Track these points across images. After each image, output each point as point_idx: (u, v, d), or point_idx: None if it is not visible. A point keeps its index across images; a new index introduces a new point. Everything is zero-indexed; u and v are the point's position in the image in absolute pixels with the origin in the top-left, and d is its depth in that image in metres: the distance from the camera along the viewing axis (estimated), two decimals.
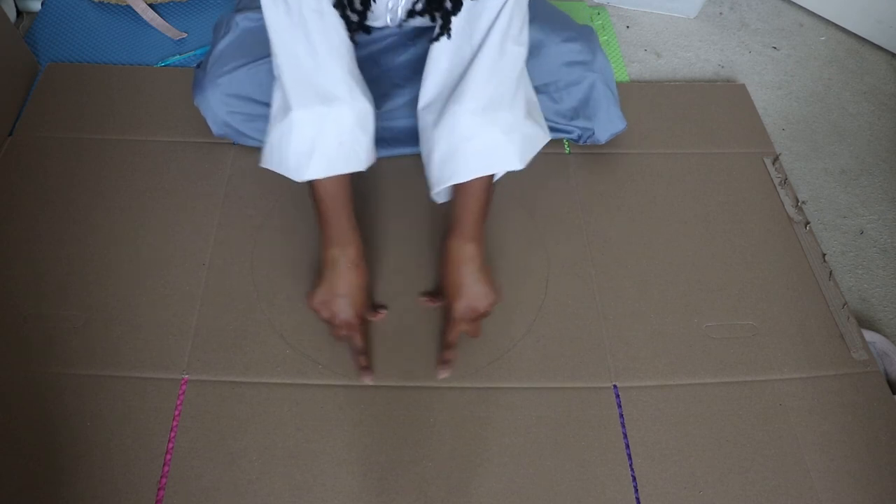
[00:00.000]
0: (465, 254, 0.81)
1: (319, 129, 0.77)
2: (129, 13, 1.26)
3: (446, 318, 0.84)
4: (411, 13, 0.85)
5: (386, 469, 0.76)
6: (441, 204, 0.90)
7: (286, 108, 0.77)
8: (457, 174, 0.80)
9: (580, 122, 1.03)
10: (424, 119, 0.84)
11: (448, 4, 0.77)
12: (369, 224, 0.97)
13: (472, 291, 0.82)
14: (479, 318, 0.83)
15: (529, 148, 0.82)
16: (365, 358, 0.82)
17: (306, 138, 0.77)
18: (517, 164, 0.81)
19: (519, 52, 0.81)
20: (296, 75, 0.77)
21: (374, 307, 0.88)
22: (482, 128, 0.78)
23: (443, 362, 0.83)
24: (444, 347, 0.83)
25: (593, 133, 1.04)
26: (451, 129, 0.79)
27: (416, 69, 0.98)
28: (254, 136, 0.99)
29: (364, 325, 0.84)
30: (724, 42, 1.38)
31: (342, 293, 0.81)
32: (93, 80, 1.13)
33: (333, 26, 0.77)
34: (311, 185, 0.81)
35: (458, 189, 0.83)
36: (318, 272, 0.83)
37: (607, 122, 1.03)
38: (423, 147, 0.85)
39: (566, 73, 0.99)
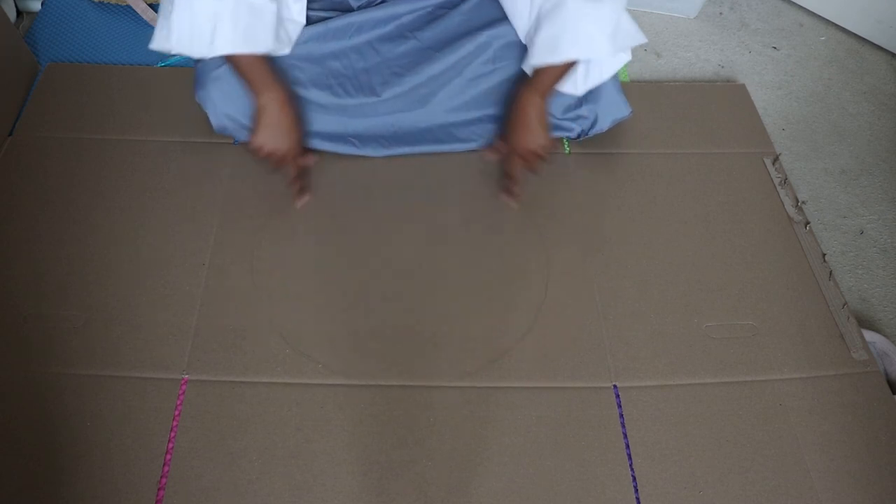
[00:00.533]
0: (534, 103, 0.93)
1: (222, 6, 0.83)
2: (129, 13, 1.26)
3: (507, 152, 0.98)
4: None
5: (386, 469, 0.76)
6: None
7: None
8: (553, 56, 0.90)
9: (582, 111, 1.02)
10: (528, 38, 0.95)
11: None
12: (372, 223, 0.97)
13: (530, 130, 0.93)
14: (533, 156, 0.95)
15: (623, 40, 0.91)
16: (300, 182, 0.97)
17: (210, 14, 0.83)
18: (608, 53, 0.90)
19: None
20: None
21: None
22: (583, 17, 0.87)
23: (508, 192, 0.98)
24: (507, 178, 0.99)
25: (596, 121, 1.03)
26: (556, 16, 0.88)
27: (416, 60, 0.98)
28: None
29: (299, 156, 0.96)
30: (724, 42, 1.38)
31: (278, 129, 0.91)
32: (93, 80, 1.13)
33: None
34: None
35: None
36: (253, 121, 0.92)
37: (610, 108, 1.03)
38: (529, 33, 0.95)
39: None
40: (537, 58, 0.91)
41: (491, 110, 1.01)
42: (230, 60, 0.90)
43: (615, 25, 0.89)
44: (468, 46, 0.97)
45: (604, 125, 1.04)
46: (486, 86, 0.99)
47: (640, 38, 0.93)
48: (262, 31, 0.87)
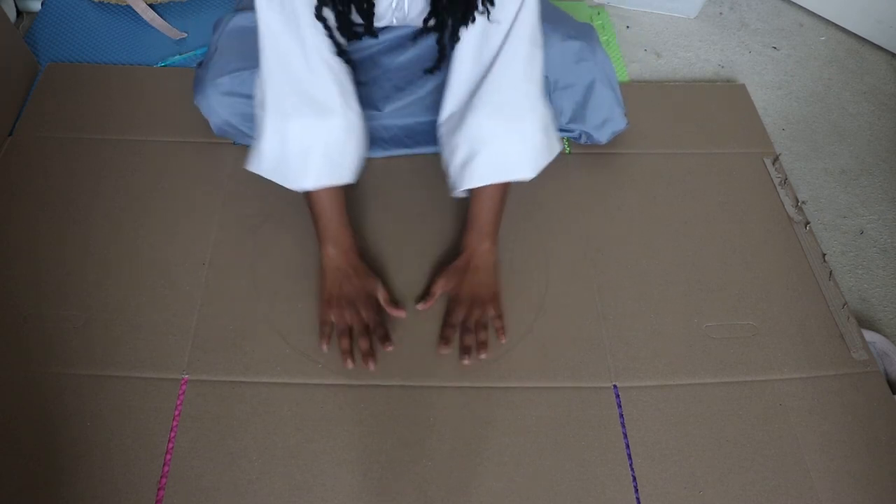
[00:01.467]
0: (481, 248, 0.88)
1: (312, 141, 0.81)
2: (129, 13, 1.26)
3: (449, 302, 0.87)
4: (423, 30, 0.86)
5: (386, 469, 0.76)
6: (457, 200, 0.94)
7: (281, 116, 0.80)
8: (472, 179, 0.85)
9: (578, 125, 1.03)
10: (445, 128, 0.89)
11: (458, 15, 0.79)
12: (368, 225, 0.97)
13: (476, 278, 0.86)
14: (480, 304, 0.85)
15: (543, 157, 0.87)
16: (373, 360, 0.82)
17: (301, 149, 0.81)
18: (529, 174, 0.86)
19: (539, 55, 0.84)
20: (288, 83, 0.79)
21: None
22: (500, 135, 0.83)
23: (443, 339, 0.84)
24: (445, 325, 0.85)
25: (592, 134, 1.04)
26: (470, 133, 0.84)
27: (418, 70, 0.98)
28: (252, 134, 0.99)
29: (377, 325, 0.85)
30: (724, 42, 1.39)
31: (351, 297, 0.84)
32: (93, 80, 1.13)
33: (326, 38, 0.79)
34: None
35: (475, 189, 0.88)
36: (322, 276, 0.86)
37: (607, 122, 1.03)
38: (445, 149, 0.89)
39: (565, 71, 0.99)
40: (460, 183, 0.86)
41: None
42: (308, 194, 0.85)
43: (536, 141, 0.84)
44: None
45: (602, 138, 1.04)
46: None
47: (558, 148, 0.89)
48: (352, 155, 0.84)
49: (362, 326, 0.83)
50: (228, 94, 0.95)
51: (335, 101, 0.81)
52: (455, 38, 0.81)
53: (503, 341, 0.85)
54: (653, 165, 1.07)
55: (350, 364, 0.80)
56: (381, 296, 0.85)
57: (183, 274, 0.90)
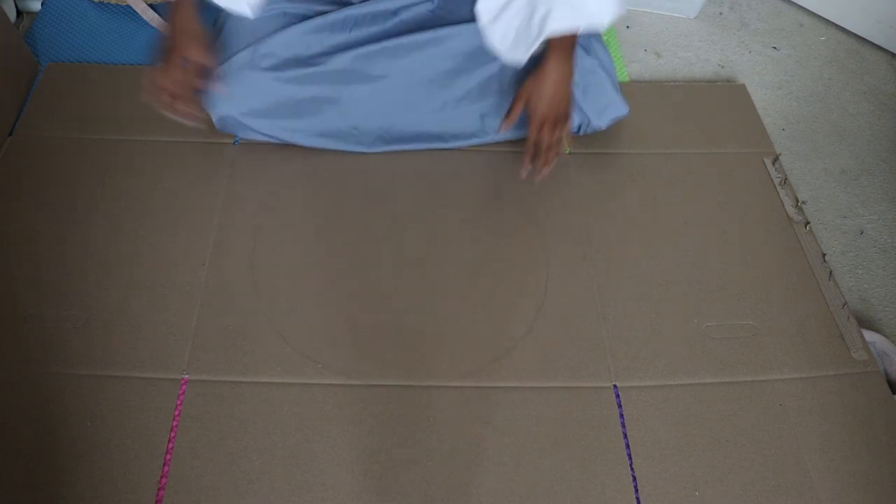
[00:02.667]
0: (562, 68, 0.90)
1: None
2: (129, 13, 1.26)
3: (528, 119, 0.93)
4: None
5: (386, 469, 0.76)
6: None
7: None
8: (553, 26, 0.84)
9: (577, 112, 1.02)
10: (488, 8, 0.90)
11: None
12: (372, 223, 0.97)
13: (558, 95, 0.90)
14: (557, 123, 0.92)
15: (618, 6, 0.85)
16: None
17: None
18: (607, 19, 0.85)
19: None
20: None
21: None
22: None
23: (531, 165, 0.95)
24: (531, 146, 0.94)
25: (591, 119, 1.03)
26: None
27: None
28: (254, 127, 0.99)
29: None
30: (724, 42, 1.38)
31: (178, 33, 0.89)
32: (93, 80, 1.13)
33: None
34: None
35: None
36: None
37: (607, 107, 1.02)
38: (498, 26, 0.89)
39: None
40: (539, 34, 0.86)
41: (490, 100, 1.00)
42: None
43: None
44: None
45: (602, 123, 1.04)
46: (488, 73, 0.98)
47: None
48: None
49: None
50: (228, 86, 0.95)
51: None
52: None
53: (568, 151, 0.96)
54: (653, 165, 1.07)
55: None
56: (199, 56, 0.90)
57: (183, 274, 0.90)
